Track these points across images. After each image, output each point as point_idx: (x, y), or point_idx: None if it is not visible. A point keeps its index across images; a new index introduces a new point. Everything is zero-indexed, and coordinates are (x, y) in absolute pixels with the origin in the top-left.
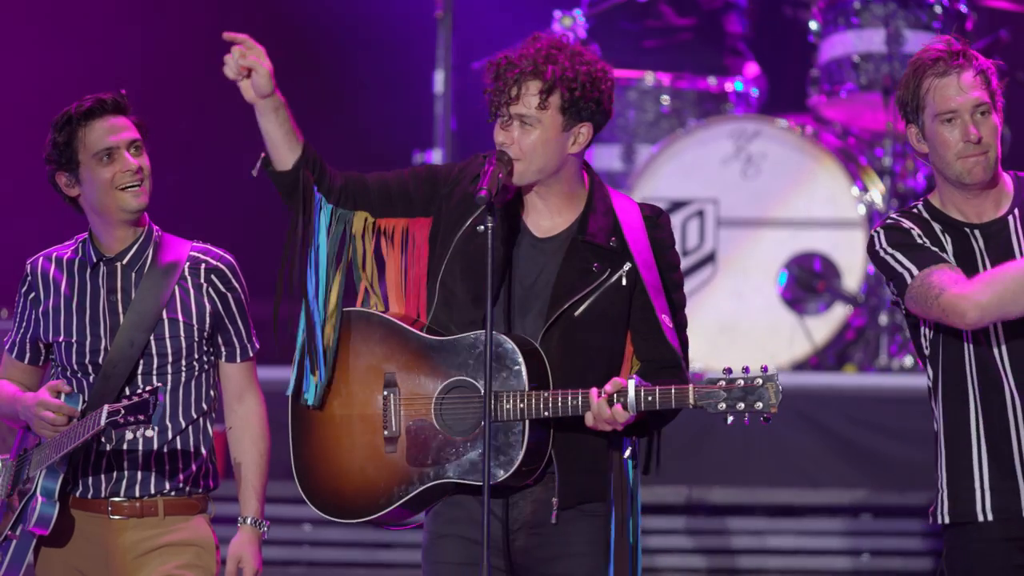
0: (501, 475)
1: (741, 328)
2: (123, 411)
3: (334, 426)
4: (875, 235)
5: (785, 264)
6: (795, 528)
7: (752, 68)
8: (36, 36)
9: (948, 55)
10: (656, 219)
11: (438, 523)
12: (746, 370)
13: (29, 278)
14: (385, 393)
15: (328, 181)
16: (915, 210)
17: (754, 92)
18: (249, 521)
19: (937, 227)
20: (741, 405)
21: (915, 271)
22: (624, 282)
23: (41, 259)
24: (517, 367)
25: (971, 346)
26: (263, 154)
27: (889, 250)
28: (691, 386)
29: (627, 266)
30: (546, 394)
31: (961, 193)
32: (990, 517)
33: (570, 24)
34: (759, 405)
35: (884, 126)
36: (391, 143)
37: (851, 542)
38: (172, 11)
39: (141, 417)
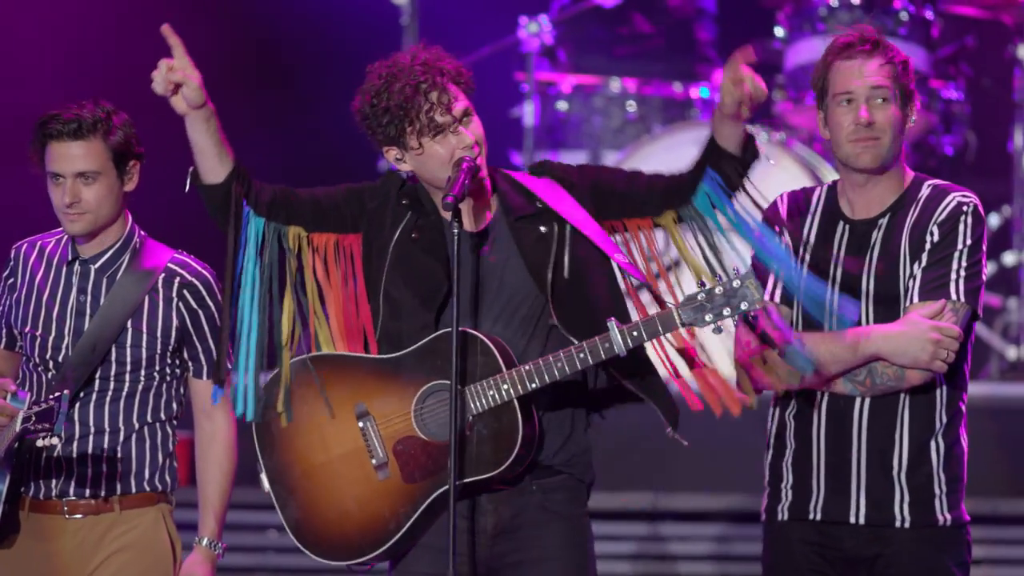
0: (510, 457)
1: (707, 334)
2: (33, 418)
3: (318, 475)
4: (775, 203)
5: (752, 265)
6: (742, 535)
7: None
8: (27, 32)
9: (858, 41)
10: (544, 167)
11: None
12: (719, 278)
13: (11, 263)
14: (361, 424)
15: (256, 194)
16: (817, 191)
17: None
18: (205, 542)
19: (814, 214)
20: (727, 311)
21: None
22: (569, 231)
23: (26, 245)
24: (488, 350)
25: None
26: (192, 168)
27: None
28: (673, 307)
29: (559, 219)
30: (527, 367)
31: (851, 181)
32: (786, 516)
33: (536, 31)
34: (744, 305)
35: None
36: (356, 149)
37: None
38: (136, 17)
39: (47, 425)
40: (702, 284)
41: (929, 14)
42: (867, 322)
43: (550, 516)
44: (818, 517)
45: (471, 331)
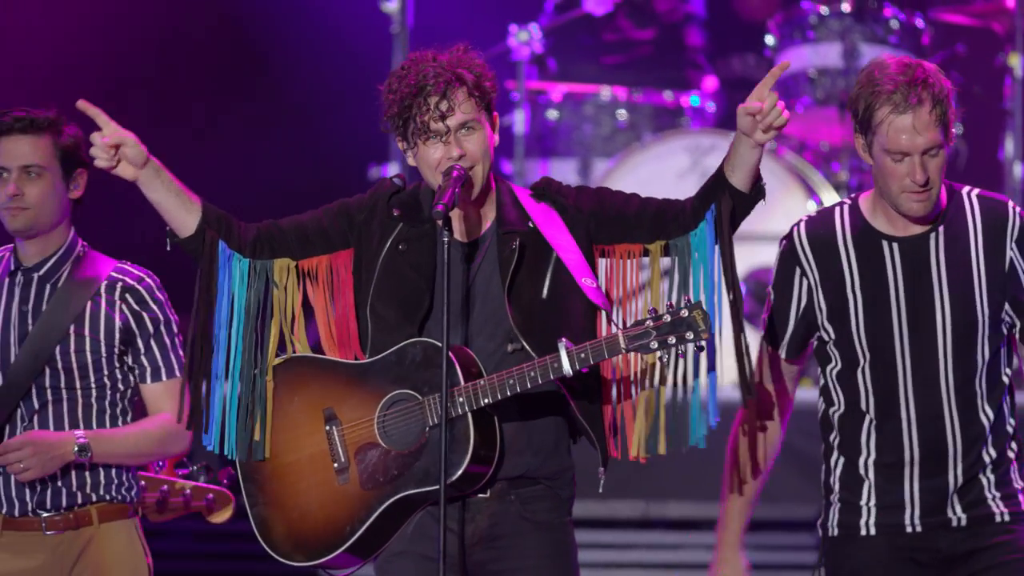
0: (458, 471)
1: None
2: None
3: (286, 475)
4: (791, 235)
5: (742, 279)
6: (752, 543)
7: (711, 82)
8: None
9: (908, 86)
10: (545, 190)
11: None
12: (670, 305)
13: None
14: (327, 428)
15: (239, 236)
16: (837, 212)
17: (710, 106)
18: (79, 437)
19: (845, 239)
20: (673, 339)
21: (761, 342)
22: (553, 258)
23: None
24: (449, 362)
25: (868, 375)
26: (168, 227)
27: (770, 286)
28: (619, 332)
29: (544, 243)
30: (482, 382)
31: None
32: (873, 532)
33: (526, 39)
34: (690, 335)
35: (840, 141)
36: (347, 157)
37: (808, 557)
38: (125, 24)
39: None
40: (652, 311)
41: (919, 22)
42: (943, 339)
43: (531, 525)
44: (918, 529)
45: (436, 342)
